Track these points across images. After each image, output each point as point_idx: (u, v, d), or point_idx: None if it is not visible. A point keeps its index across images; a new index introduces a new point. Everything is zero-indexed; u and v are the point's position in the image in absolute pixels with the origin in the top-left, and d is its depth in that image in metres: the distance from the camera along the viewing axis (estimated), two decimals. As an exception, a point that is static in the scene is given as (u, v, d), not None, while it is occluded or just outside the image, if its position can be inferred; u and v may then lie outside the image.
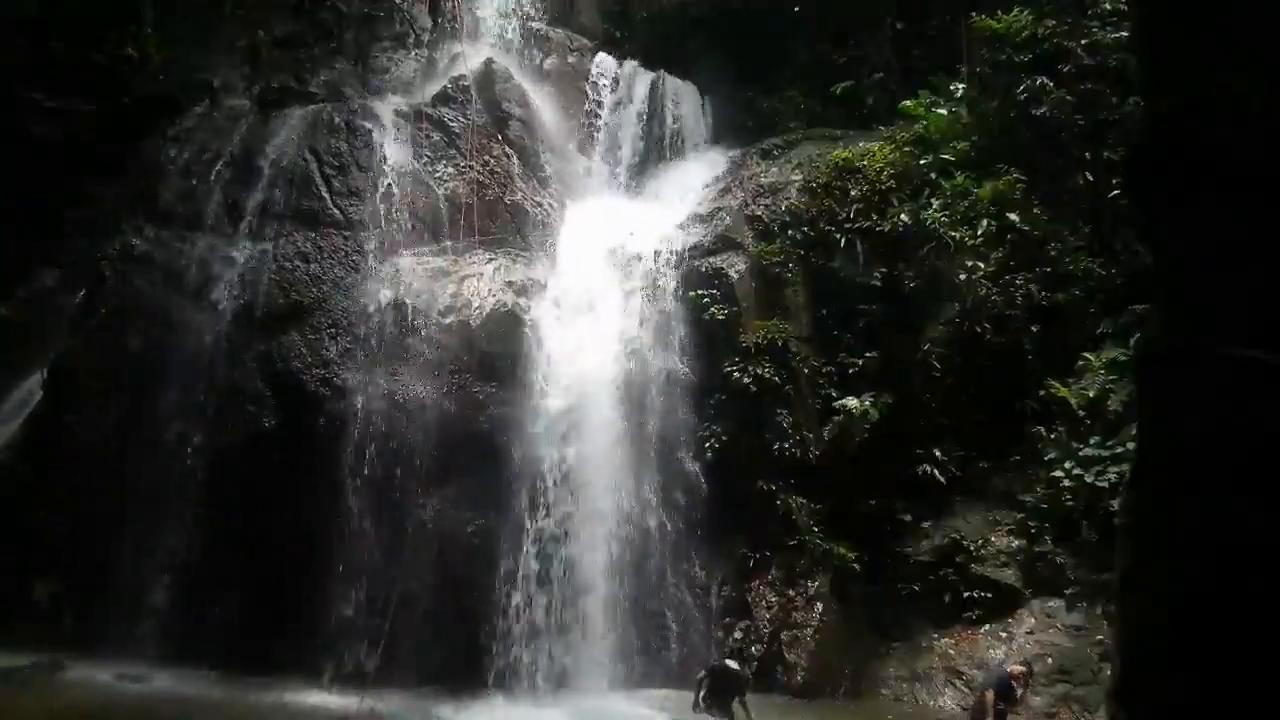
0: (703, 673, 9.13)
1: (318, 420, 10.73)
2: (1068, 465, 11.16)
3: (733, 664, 9.41)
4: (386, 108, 13.57)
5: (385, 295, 11.49)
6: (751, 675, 9.71)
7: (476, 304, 11.52)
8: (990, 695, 8.48)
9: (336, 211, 12.09)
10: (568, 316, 12.08)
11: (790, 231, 13.14)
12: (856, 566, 11.58)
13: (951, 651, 10.89)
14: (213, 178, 12.30)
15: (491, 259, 12.35)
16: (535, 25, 17.30)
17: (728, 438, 11.86)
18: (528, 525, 10.72)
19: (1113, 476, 10.54)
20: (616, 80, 16.87)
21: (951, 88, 14.60)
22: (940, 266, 12.73)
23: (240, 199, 12.17)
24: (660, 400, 11.97)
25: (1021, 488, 11.78)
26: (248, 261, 11.67)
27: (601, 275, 12.86)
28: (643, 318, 12.46)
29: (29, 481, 10.69)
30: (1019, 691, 8.70)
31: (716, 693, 8.89)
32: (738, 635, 11.10)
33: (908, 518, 12.02)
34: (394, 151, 12.79)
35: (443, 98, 13.90)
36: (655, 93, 16.81)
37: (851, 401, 12.07)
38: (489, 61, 15.06)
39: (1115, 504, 9.91)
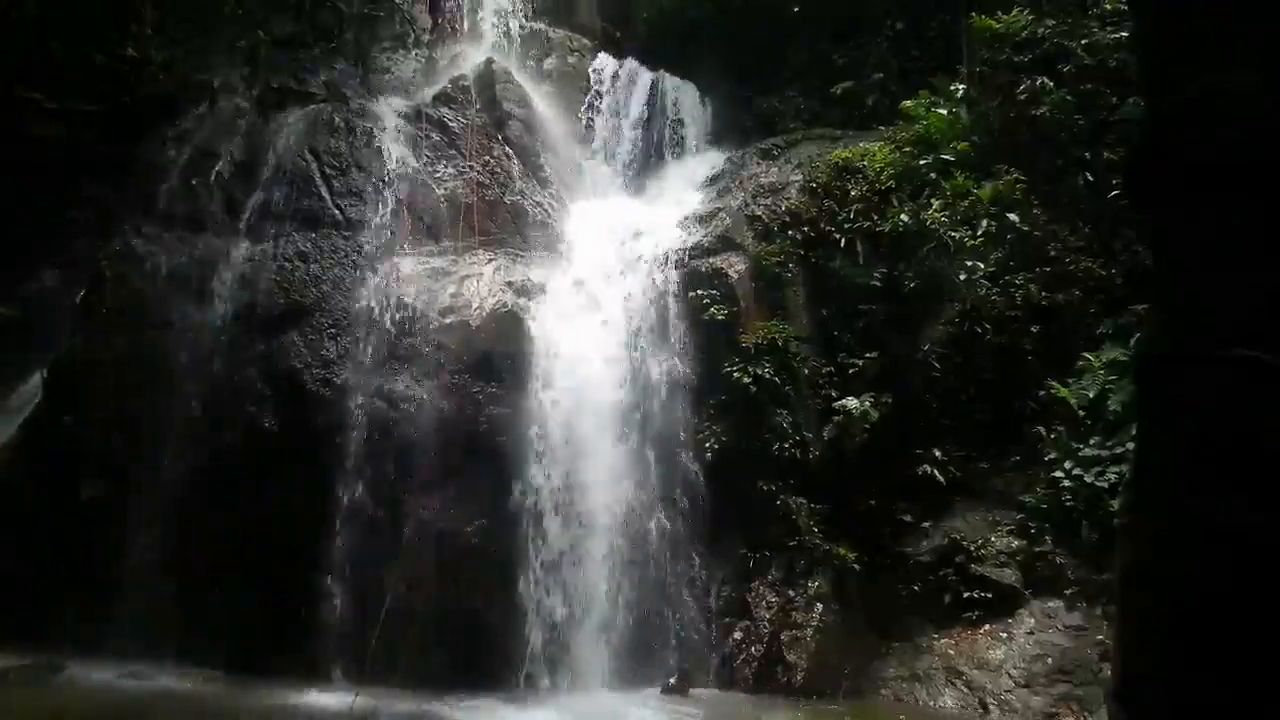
0: None
1: (317, 420, 10.74)
2: (1068, 465, 11.14)
3: None
4: (386, 108, 13.58)
5: (385, 295, 11.50)
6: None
7: (476, 304, 11.53)
8: None
9: (336, 211, 12.10)
10: (568, 317, 12.08)
11: (790, 231, 13.12)
12: (856, 566, 11.56)
13: (951, 651, 10.87)
14: (213, 178, 12.29)
15: (492, 259, 12.36)
16: (535, 25, 17.33)
17: (728, 438, 11.85)
18: (527, 525, 10.70)
19: (1113, 476, 10.52)
20: (616, 80, 16.88)
21: (952, 88, 14.59)
22: (940, 266, 12.71)
23: (240, 199, 12.18)
24: (660, 400, 11.97)
25: (1021, 488, 11.75)
26: (248, 261, 11.67)
27: (601, 276, 12.85)
28: (643, 318, 12.46)
29: (29, 482, 10.71)
30: None
31: None
32: (738, 635, 11.10)
33: (908, 518, 11.99)
34: (394, 152, 12.80)
35: (443, 98, 13.92)
36: (655, 93, 16.81)
37: (851, 402, 12.05)
38: (489, 61, 15.09)
39: (1115, 504, 9.91)
